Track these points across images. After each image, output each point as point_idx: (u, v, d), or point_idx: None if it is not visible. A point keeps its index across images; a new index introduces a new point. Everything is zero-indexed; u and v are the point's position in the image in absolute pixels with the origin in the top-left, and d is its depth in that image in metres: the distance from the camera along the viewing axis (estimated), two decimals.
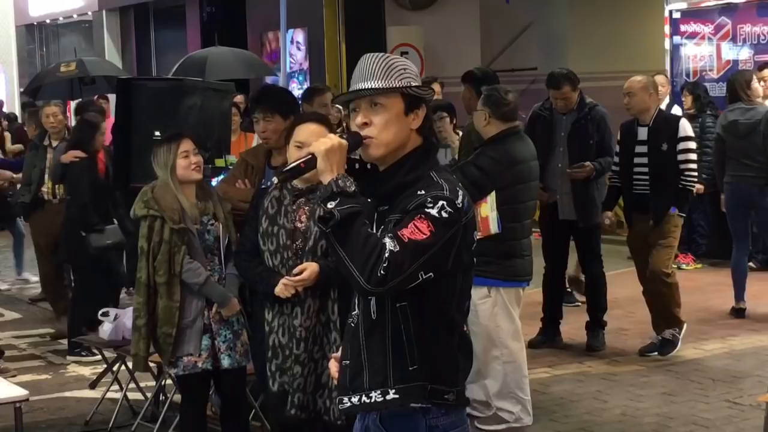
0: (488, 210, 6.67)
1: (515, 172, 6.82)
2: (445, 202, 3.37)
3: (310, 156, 3.41)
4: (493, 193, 6.68)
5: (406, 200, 3.41)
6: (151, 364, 7.38)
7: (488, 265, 6.64)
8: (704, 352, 8.74)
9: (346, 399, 3.54)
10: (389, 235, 3.31)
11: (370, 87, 3.48)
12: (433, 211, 3.35)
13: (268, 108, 6.41)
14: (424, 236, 3.31)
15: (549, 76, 8.95)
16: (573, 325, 9.22)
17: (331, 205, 3.29)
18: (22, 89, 24.29)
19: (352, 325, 3.56)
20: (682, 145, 8.38)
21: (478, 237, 6.60)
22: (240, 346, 6.09)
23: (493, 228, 6.67)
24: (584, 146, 8.70)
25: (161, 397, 7.48)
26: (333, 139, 3.40)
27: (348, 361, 3.55)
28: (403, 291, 3.35)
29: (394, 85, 3.49)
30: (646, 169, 8.45)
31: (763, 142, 9.67)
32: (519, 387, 6.87)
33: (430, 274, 3.34)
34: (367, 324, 3.50)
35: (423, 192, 3.40)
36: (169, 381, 7.38)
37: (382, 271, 3.24)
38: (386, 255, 3.24)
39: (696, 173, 8.55)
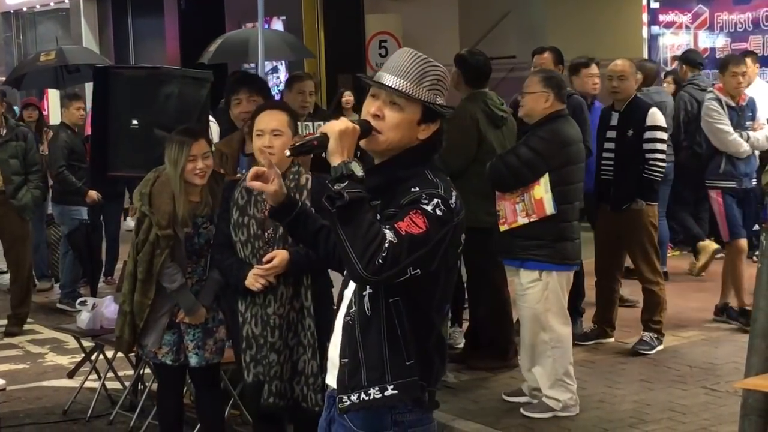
0: (542, 191, 6.75)
1: (566, 152, 6.90)
2: (439, 201, 3.37)
3: (322, 135, 3.38)
4: (546, 175, 6.75)
5: (399, 195, 3.40)
6: (130, 354, 7.39)
7: (541, 249, 6.76)
8: (681, 339, 8.78)
9: (345, 397, 3.51)
10: (387, 226, 3.29)
11: (396, 85, 3.45)
12: (429, 208, 3.35)
13: (254, 89, 6.42)
14: (420, 230, 3.30)
15: (536, 48, 9.12)
16: None
17: (338, 186, 3.26)
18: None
19: (350, 322, 3.53)
20: (649, 134, 8.25)
21: (533, 219, 6.61)
22: (213, 343, 6.09)
23: (549, 209, 6.74)
24: None
25: (139, 386, 7.49)
26: (347, 122, 3.39)
27: (346, 359, 3.52)
28: (394, 286, 3.35)
29: (419, 95, 3.47)
30: (611, 155, 8.38)
31: None
32: (566, 373, 6.95)
33: (417, 270, 3.32)
34: (363, 321, 3.48)
35: (417, 189, 3.39)
36: (147, 370, 7.37)
37: (380, 260, 3.22)
38: (386, 245, 3.23)
39: (662, 164, 8.34)
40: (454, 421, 6.93)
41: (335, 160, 3.33)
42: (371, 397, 3.46)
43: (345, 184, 3.26)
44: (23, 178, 10.11)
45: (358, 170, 3.30)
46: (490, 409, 7.18)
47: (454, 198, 3.43)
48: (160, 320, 6.05)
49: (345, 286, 3.62)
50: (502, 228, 6.84)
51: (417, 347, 3.46)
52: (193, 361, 6.06)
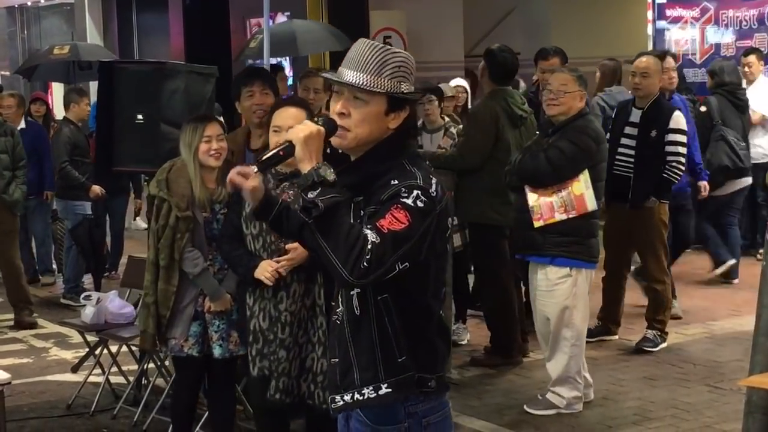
0: (583, 188, 6.75)
1: (601, 149, 6.95)
2: (419, 191, 3.33)
3: (287, 144, 3.32)
4: (587, 171, 6.77)
5: (379, 191, 3.36)
6: (134, 348, 7.40)
7: (572, 245, 6.78)
8: (685, 336, 8.78)
9: (338, 398, 3.51)
10: (368, 226, 3.26)
11: (356, 81, 3.39)
12: (409, 201, 3.31)
13: (266, 82, 6.43)
14: (403, 226, 3.26)
15: (539, 50, 9.01)
16: None
17: (312, 194, 3.22)
18: (3, 72, 24.20)
19: (338, 322, 3.51)
20: (671, 137, 8.26)
21: (571, 215, 6.59)
22: (237, 335, 6.05)
23: (590, 205, 6.77)
24: None
25: (143, 381, 7.49)
26: (311, 126, 3.32)
27: (336, 360, 3.52)
28: (382, 283, 3.32)
29: (381, 85, 3.40)
30: (630, 152, 8.34)
31: None
32: (578, 372, 6.96)
33: (406, 264, 3.30)
34: (352, 320, 3.46)
35: (396, 182, 3.35)
36: (151, 365, 7.38)
37: (365, 263, 3.19)
38: (369, 247, 3.19)
39: (682, 167, 8.38)
40: (458, 417, 6.92)
41: (304, 167, 3.27)
42: (365, 397, 3.45)
43: (318, 191, 3.22)
44: (12, 174, 10.09)
45: (329, 174, 3.25)
46: (494, 405, 7.19)
47: (434, 186, 3.39)
48: (186, 310, 6.02)
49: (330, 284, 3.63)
50: (537, 224, 6.76)
51: (416, 338, 3.45)
52: (217, 352, 6.02)
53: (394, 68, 3.43)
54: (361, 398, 3.45)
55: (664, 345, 8.36)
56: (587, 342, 8.31)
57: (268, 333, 5.28)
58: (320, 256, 3.27)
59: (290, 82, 14.18)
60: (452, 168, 7.91)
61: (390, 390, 3.43)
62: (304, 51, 11.99)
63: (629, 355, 8.27)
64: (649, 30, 14.36)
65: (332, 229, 3.21)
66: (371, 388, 3.44)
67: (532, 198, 6.82)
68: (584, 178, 6.76)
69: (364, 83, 3.39)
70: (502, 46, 8.33)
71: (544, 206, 6.75)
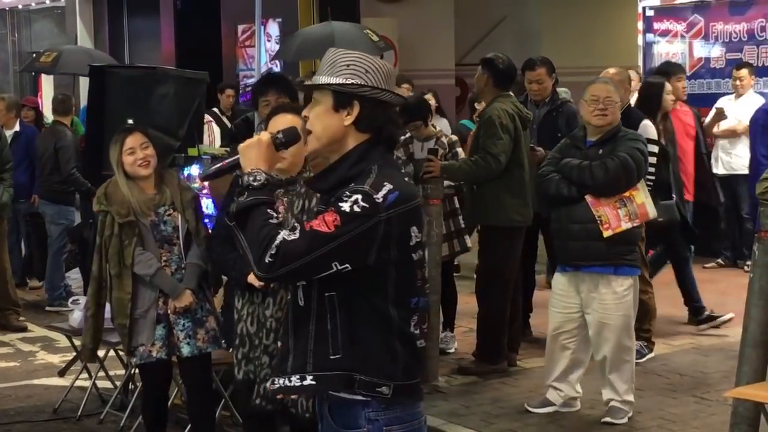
0: (642, 196, 6.79)
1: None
2: (360, 197, 3.42)
3: (236, 156, 3.58)
4: (642, 180, 6.83)
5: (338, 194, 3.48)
6: (121, 353, 7.39)
7: (632, 254, 6.84)
8: (672, 347, 8.80)
9: (276, 380, 3.65)
10: (296, 224, 3.44)
11: (305, 82, 3.63)
12: (345, 206, 3.40)
13: (282, 90, 6.42)
14: (328, 230, 3.38)
15: (526, 61, 9.01)
16: (542, 318, 9.23)
17: (241, 198, 3.46)
18: None
19: (284, 312, 3.73)
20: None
21: (635, 224, 6.57)
22: (204, 333, 6.09)
23: (651, 213, 6.83)
24: (553, 139, 8.72)
25: (130, 386, 7.48)
26: (255, 138, 3.56)
27: (281, 344, 3.72)
28: (329, 281, 3.44)
29: (327, 82, 3.55)
30: None
31: None
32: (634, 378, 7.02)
33: (346, 265, 3.41)
34: (296, 311, 3.61)
35: (353, 185, 3.46)
36: (141, 377, 7.37)
37: (269, 258, 3.36)
38: (276, 243, 3.36)
39: (652, 176, 8.12)
40: (445, 425, 6.95)
41: (243, 175, 3.51)
42: (291, 384, 3.58)
43: (244, 195, 3.45)
44: None
45: (256, 180, 3.47)
46: (482, 413, 7.20)
47: (384, 191, 3.44)
48: (148, 315, 6.06)
49: None
50: (607, 233, 6.69)
51: (366, 341, 3.50)
52: (186, 351, 6.05)
53: (342, 66, 3.57)
54: (288, 384, 3.59)
55: (651, 355, 8.37)
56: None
57: (254, 338, 5.28)
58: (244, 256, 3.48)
59: None
60: (488, 176, 7.84)
61: (314, 383, 3.53)
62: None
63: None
64: (640, 41, 14.39)
65: (246, 227, 3.44)
66: (297, 377, 3.56)
67: (596, 207, 6.74)
68: (642, 186, 6.82)
69: (307, 83, 3.61)
70: (497, 53, 8.36)
71: (611, 215, 6.70)
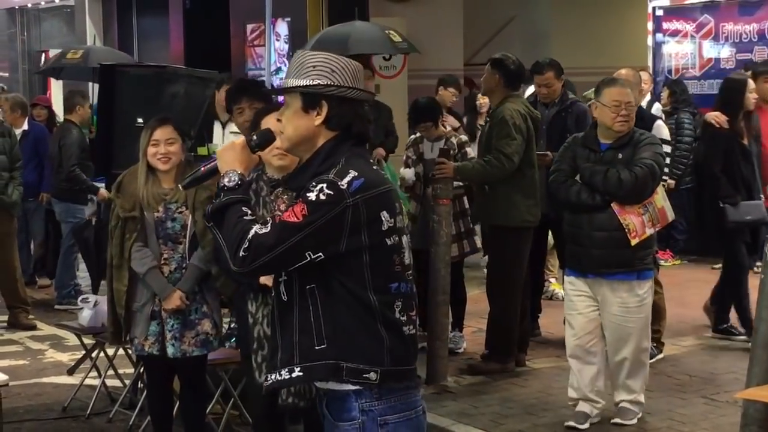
0: (662, 200, 6.76)
1: None
2: (324, 185, 3.53)
3: (215, 162, 3.74)
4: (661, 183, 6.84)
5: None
6: (130, 351, 7.39)
7: (650, 257, 6.82)
8: (681, 348, 8.78)
9: (269, 376, 3.73)
10: (268, 218, 3.59)
11: (274, 86, 3.68)
12: (312, 195, 3.51)
13: (255, 97, 6.40)
14: (296, 220, 3.48)
15: (534, 64, 8.99)
16: (551, 318, 9.25)
17: (218, 199, 3.61)
18: (1, 73, 24.21)
19: (272, 309, 3.76)
20: None
21: (657, 229, 6.57)
22: (192, 336, 6.07)
23: (670, 216, 6.84)
24: (563, 139, 8.70)
25: (139, 385, 7.47)
26: (230, 142, 3.75)
27: (273, 341, 3.77)
28: (307, 273, 3.53)
29: (294, 84, 3.65)
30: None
31: None
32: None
33: (320, 254, 3.51)
34: (280, 306, 3.69)
35: (321, 176, 3.58)
36: (144, 370, 7.37)
37: (243, 252, 3.48)
38: (249, 237, 3.48)
39: (665, 176, 8.24)
40: (454, 425, 6.94)
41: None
42: (282, 378, 3.65)
43: (221, 196, 3.61)
44: (9, 175, 10.07)
45: (230, 180, 3.63)
46: (491, 414, 7.19)
47: (348, 178, 3.55)
48: (144, 309, 6.07)
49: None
50: (634, 242, 6.62)
51: (349, 329, 3.56)
52: (169, 351, 6.05)
53: (308, 68, 3.67)
54: (279, 378, 3.65)
55: (660, 356, 8.35)
56: None
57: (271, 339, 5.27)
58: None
59: None
60: (502, 176, 7.83)
61: (301, 374, 3.60)
62: (355, 51, 11.92)
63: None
64: (649, 41, 14.38)
65: (222, 226, 3.58)
66: (286, 370, 3.63)
67: (623, 216, 6.64)
68: (660, 189, 6.80)
69: (279, 85, 3.63)
70: (506, 53, 8.36)
71: (637, 223, 6.63)
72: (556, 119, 8.82)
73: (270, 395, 5.26)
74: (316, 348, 3.57)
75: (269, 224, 3.51)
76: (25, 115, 11.71)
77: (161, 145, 6.01)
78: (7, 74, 24.29)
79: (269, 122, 5.33)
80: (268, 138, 3.79)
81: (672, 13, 14.19)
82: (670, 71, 13.89)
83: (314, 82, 3.63)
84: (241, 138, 3.76)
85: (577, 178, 6.81)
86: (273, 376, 3.69)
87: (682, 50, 13.73)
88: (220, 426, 6.80)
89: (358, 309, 3.58)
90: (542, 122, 8.78)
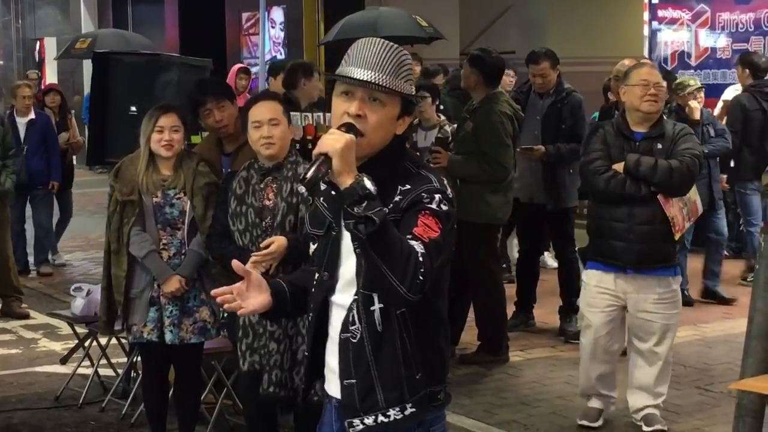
0: (694, 193, 6.60)
1: None
2: (440, 195, 3.21)
3: (323, 157, 3.08)
4: None
5: (388, 197, 3.18)
6: (123, 341, 7.37)
7: (674, 251, 6.65)
8: (676, 338, 8.70)
9: (357, 421, 3.32)
10: (408, 236, 3.09)
11: (378, 80, 3.23)
12: (434, 206, 3.18)
13: (219, 96, 6.34)
14: (437, 233, 3.14)
15: (529, 53, 8.96)
16: (546, 309, 9.24)
17: (358, 209, 2.99)
18: None
19: (353, 340, 3.29)
20: None
21: (692, 222, 6.52)
22: (191, 323, 6.05)
23: (701, 208, 6.75)
24: (558, 129, 8.71)
25: (132, 374, 7.46)
26: (344, 136, 3.11)
27: (354, 381, 3.31)
28: None
29: (401, 87, 3.27)
30: None
31: None
32: None
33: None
34: (374, 338, 3.27)
35: (408, 186, 3.21)
36: (140, 357, 7.35)
37: (420, 278, 3.05)
38: (420, 260, 3.05)
39: None
40: (448, 416, 6.81)
41: (346, 181, 3.04)
42: (392, 419, 3.29)
43: (365, 204, 3.00)
44: (2, 163, 10.04)
45: (371, 186, 3.04)
46: (485, 404, 7.18)
47: (449, 188, 3.29)
48: (143, 295, 6.04)
49: (323, 295, 3.40)
50: (677, 236, 6.49)
51: (429, 350, 3.31)
52: (168, 338, 6.02)
53: (407, 70, 3.31)
54: (386, 420, 3.29)
55: None
56: (575, 343, 8.33)
57: (257, 327, 5.28)
58: (371, 272, 3.08)
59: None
60: (491, 181, 7.86)
61: (414, 410, 3.30)
62: (382, 34, 11.86)
63: (620, 356, 8.23)
64: (646, 31, 14.35)
65: (387, 245, 3.02)
66: (397, 409, 3.29)
67: (668, 209, 6.45)
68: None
69: (386, 83, 3.25)
70: (485, 48, 8.39)
71: (679, 216, 6.48)
72: (551, 110, 8.79)
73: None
74: (417, 378, 3.28)
75: (419, 244, 3.08)
76: (31, 103, 11.75)
77: (166, 132, 5.98)
78: (1, 62, 24.22)
79: (264, 107, 5.32)
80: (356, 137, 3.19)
81: (668, 1, 14.18)
82: (666, 60, 13.88)
83: (413, 88, 3.31)
84: (347, 135, 3.11)
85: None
86: (371, 420, 3.29)
87: (678, 39, 13.71)
88: (213, 415, 6.78)
89: (433, 324, 3.33)
90: (537, 112, 8.77)
